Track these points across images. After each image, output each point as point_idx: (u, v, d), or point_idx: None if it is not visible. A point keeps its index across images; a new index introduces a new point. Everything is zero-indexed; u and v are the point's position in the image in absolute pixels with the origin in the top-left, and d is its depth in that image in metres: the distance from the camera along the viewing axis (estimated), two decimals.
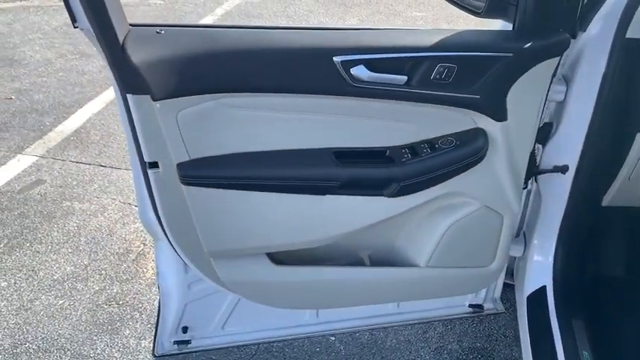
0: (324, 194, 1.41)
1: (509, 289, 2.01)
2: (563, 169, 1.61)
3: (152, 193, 1.39)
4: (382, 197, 1.45)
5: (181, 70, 1.24)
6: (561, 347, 1.57)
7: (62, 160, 3.30)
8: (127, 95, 1.25)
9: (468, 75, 1.34)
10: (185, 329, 1.80)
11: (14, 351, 2.13)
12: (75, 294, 2.39)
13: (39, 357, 2.11)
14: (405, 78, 1.32)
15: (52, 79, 4.29)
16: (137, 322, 2.25)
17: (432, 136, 1.44)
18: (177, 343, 1.82)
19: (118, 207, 2.90)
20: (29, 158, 3.32)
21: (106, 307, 2.32)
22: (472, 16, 1.51)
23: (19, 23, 5.37)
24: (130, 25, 1.27)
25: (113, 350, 2.13)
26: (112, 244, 2.66)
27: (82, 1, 1.09)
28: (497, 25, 2.23)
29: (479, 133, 1.43)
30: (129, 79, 1.21)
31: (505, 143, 1.44)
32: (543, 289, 1.75)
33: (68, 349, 2.13)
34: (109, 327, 2.23)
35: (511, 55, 1.33)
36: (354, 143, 1.42)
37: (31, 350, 2.14)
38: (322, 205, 1.43)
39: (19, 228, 2.76)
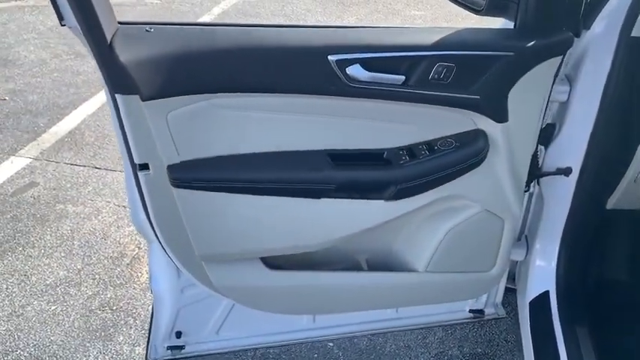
0: (319, 197, 1.37)
1: (510, 294, 1.97)
2: (567, 172, 1.56)
3: (143, 195, 1.35)
4: (379, 200, 1.40)
5: (171, 70, 1.20)
6: (565, 354, 1.52)
7: (56, 162, 3.26)
8: (116, 95, 1.20)
9: (468, 75, 1.29)
10: (179, 334, 1.75)
11: (5, 359, 2.08)
12: (68, 299, 2.34)
13: None
14: (402, 78, 1.28)
15: (47, 80, 4.24)
16: (131, 328, 2.21)
17: (431, 137, 1.40)
18: (171, 348, 1.77)
19: (112, 210, 2.86)
20: (23, 160, 3.28)
21: (99, 312, 2.28)
22: (471, 15, 1.47)
23: (14, 23, 5.32)
24: (119, 23, 1.23)
25: (106, 357, 2.09)
26: (106, 248, 2.61)
27: None
28: (497, 23, 2.19)
29: (479, 135, 1.38)
30: (117, 78, 1.17)
31: (506, 145, 1.40)
32: (546, 294, 1.71)
33: (60, 357, 2.09)
34: (103, 333, 2.18)
35: (512, 54, 1.28)
36: (349, 145, 1.38)
37: (22, 358, 2.09)
38: (317, 208, 1.39)
39: (11, 232, 2.72)
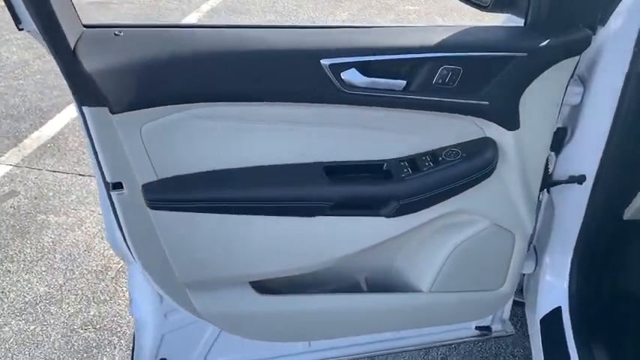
0: (314, 216, 1.24)
1: (517, 306, 1.85)
2: (580, 179, 1.44)
3: (118, 216, 1.22)
4: (380, 217, 1.27)
5: (143, 78, 1.07)
6: None
7: (38, 170, 3.12)
8: (82, 108, 1.08)
9: (476, 78, 1.17)
10: None
11: None
12: (48, 318, 2.21)
13: None
14: (403, 82, 1.16)
15: (29, 82, 4.09)
16: (115, 347, 2.07)
17: (435, 147, 1.27)
18: None
19: (96, 219, 2.72)
20: (2, 168, 3.13)
21: (81, 331, 2.14)
22: (468, 9, 1.33)
23: None
24: (84, 26, 1.09)
25: None
26: (89, 261, 2.48)
27: None
28: (499, 19, 2.06)
29: (487, 144, 1.26)
30: (82, 89, 1.05)
31: (517, 154, 1.28)
32: (558, 310, 1.59)
33: None
34: (85, 354, 2.05)
35: (524, 54, 1.16)
36: (346, 157, 1.25)
37: None
38: (311, 228, 1.26)
39: None
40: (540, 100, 1.23)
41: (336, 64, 1.11)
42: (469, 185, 1.26)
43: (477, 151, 1.26)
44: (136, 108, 1.09)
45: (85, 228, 2.67)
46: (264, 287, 1.38)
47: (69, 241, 2.60)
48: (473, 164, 1.25)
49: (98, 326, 2.16)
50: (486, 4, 1.27)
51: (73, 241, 2.60)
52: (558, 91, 1.25)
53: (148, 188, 1.15)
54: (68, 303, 2.27)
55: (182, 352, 1.61)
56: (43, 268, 2.45)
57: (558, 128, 1.46)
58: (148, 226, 1.20)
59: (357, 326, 1.52)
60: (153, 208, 1.16)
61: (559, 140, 1.46)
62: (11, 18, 1.03)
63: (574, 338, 1.54)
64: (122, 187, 1.17)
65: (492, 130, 1.25)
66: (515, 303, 1.81)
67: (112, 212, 1.24)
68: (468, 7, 1.31)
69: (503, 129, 1.24)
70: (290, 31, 1.16)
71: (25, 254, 2.52)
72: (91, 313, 2.22)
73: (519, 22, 1.31)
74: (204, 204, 1.18)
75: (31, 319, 2.21)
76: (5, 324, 2.19)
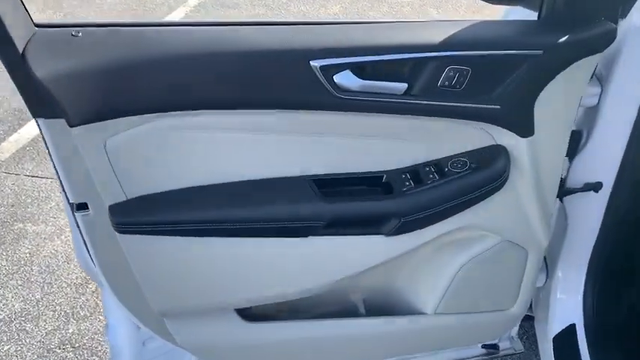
0: (306, 236, 1.10)
1: (525, 320, 1.72)
2: (596, 187, 1.32)
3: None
4: (379, 236, 1.14)
5: (107, 84, 0.93)
6: None
7: (16, 175, 2.96)
8: (37, 120, 0.93)
9: (486, 80, 1.04)
10: None
11: None
12: (23, 337, 2.06)
13: None
14: (404, 86, 1.02)
15: (8, 82, 3.91)
16: None
17: (440, 156, 1.14)
18: None
19: None
20: None
21: (59, 351, 2.00)
22: (463, 0, 1.19)
23: None
24: (36, 25, 0.95)
25: None
26: (68, 274, 2.33)
27: None
28: (499, 13, 1.92)
29: (499, 152, 1.13)
30: (34, 98, 0.91)
31: (531, 163, 1.15)
32: (572, 328, 1.47)
33: None
34: None
35: (540, 52, 1.02)
36: (340, 169, 1.12)
37: None
38: (302, 249, 1.13)
39: None
40: (557, 103, 1.10)
41: (327, 65, 0.98)
42: (479, 199, 1.13)
43: (487, 161, 1.12)
44: (98, 119, 0.95)
45: (65, 237, 2.52)
46: (251, 314, 1.25)
47: (47, 251, 2.45)
48: (483, 175, 1.12)
49: (77, 345, 2.02)
50: None
51: (52, 251, 2.45)
52: (577, 92, 1.12)
53: (115, 210, 1.01)
54: (45, 320, 2.13)
55: None
56: (19, 282, 2.30)
57: (573, 131, 1.33)
58: (119, 250, 1.07)
59: (356, 354, 1.38)
60: (121, 232, 1.03)
61: (573, 144, 1.32)
62: None
63: (590, 358, 1.42)
64: (87, 208, 1.03)
65: (504, 137, 1.12)
66: (523, 317, 1.69)
67: (79, 232, 1.10)
68: None
69: (516, 135, 1.11)
70: (276, 28, 1.02)
71: None
72: (70, 331, 2.08)
73: (525, 15, 1.18)
74: (180, 226, 1.04)
75: (5, 338, 2.06)
76: None
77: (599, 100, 1.25)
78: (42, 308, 2.18)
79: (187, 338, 1.21)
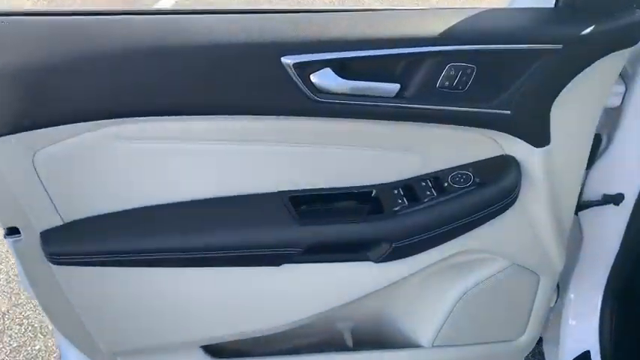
0: (278, 265, 0.93)
1: None
2: (616, 199, 1.15)
3: None
4: (367, 262, 0.97)
5: (36, 86, 0.76)
6: None
7: None
8: None
9: (493, 80, 0.87)
10: None
11: None
12: None
13: None
14: (396, 87, 0.86)
15: None
16: None
17: (439, 169, 0.97)
18: None
19: None
20: None
21: None
22: None
23: None
24: None
25: None
26: None
27: None
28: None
29: (508, 164, 0.96)
30: None
31: (546, 177, 0.98)
32: (586, 355, 1.30)
33: None
34: None
35: (559, 47, 0.85)
36: (320, 184, 0.95)
37: None
38: (275, 279, 0.96)
39: None
40: (578, 107, 0.94)
41: (303, 62, 0.81)
42: (484, 220, 0.96)
43: (495, 174, 0.95)
44: (25, 128, 0.78)
45: None
46: (221, 350, 1.08)
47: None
48: (490, 192, 0.95)
49: None
50: None
51: None
52: (601, 94, 0.95)
53: (48, 237, 0.84)
54: (10, 335, 1.96)
55: None
56: None
57: None
58: (57, 283, 0.90)
59: None
60: (56, 262, 0.86)
61: (591, 150, 1.15)
62: None
63: None
64: (19, 233, 0.86)
65: (514, 147, 0.95)
66: None
67: None
68: None
69: (529, 145, 0.94)
70: (241, 17, 0.85)
71: None
72: (37, 347, 1.92)
73: (539, 1, 1.00)
74: (127, 256, 0.87)
75: None
76: None
77: (622, 101, 1.08)
78: (7, 322, 2.02)
79: None
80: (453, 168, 0.97)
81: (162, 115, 0.83)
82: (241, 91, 0.83)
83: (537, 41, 0.85)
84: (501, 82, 0.87)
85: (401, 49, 0.84)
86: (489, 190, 0.95)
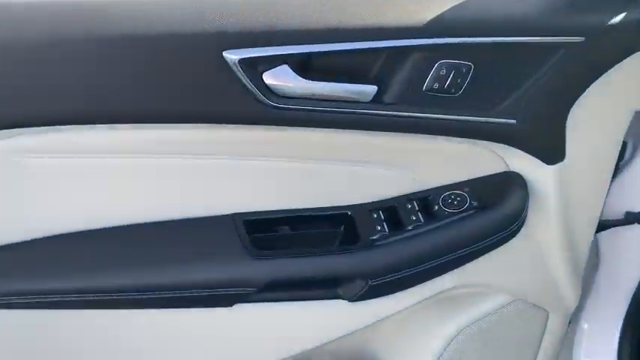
0: (229, 305, 0.77)
1: None
2: None
3: None
4: (340, 301, 0.80)
5: None
6: None
7: None
8: None
9: (495, 81, 0.70)
10: None
11: None
12: None
13: None
14: (373, 89, 0.68)
15: None
16: None
17: (428, 187, 0.80)
18: None
19: None
20: None
21: None
22: None
23: None
24: None
25: None
26: None
27: None
28: None
29: (513, 183, 0.79)
30: None
31: (560, 199, 0.80)
32: None
33: None
34: None
35: (580, 40, 0.67)
36: (280, 204, 0.78)
37: None
38: (228, 322, 0.79)
39: None
40: (602, 114, 0.76)
41: (251, 58, 0.64)
42: (483, 251, 0.79)
43: (497, 196, 0.78)
44: None
45: None
46: None
47: None
48: (490, 217, 0.77)
49: None
50: None
51: None
52: (631, 98, 0.77)
53: None
54: None
55: None
56: None
57: None
58: None
59: None
60: None
61: None
62: None
63: None
64: None
65: (521, 162, 0.78)
66: None
67: None
68: None
69: (540, 161, 0.76)
70: (175, 3, 0.67)
71: None
72: None
73: None
74: (34, 297, 0.70)
75: None
76: None
77: None
78: None
79: None
80: (445, 187, 0.80)
81: (77, 124, 0.66)
82: (176, 93, 0.66)
83: (552, 33, 0.68)
84: (505, 84, 0.70)
85: (378, 42, 0.66)
86: (490, 215, 0.77)
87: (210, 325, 0.79)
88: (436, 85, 0.68)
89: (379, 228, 0.77)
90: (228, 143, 0.72)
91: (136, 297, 0.72)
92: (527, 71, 0.69)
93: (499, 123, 0.71)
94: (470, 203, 0.77)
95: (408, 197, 0.79)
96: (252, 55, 0.63)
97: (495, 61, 0.68)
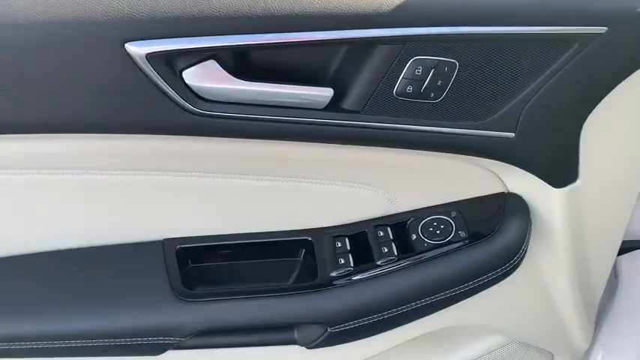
0: (160, 353, 0.62)
1: None
2: None
3: None
4: (294, 346, 0.66)
5: None
6: None
7: None
8: None
9: (486, 84, 0.54)
10: None
11: None
12: None
13: None
14: (328, 93, 0.53)
15: None
16: None
17: (405, 210, 0.64)
18: None
19: None
20: None
21: None
22: None
23: None
24: None
25: None
26: None
27: None
28: None
29: (512, 208, 0.63)
30: None
31: (569, 227, 0.64)
32: None
33: None
34: None
35: (603, 30, 0.51)
36: (224, 228, 0.63)
37: None
38: None
39: None
40: (625, 125, 0.59)
41: (164, 53, 0.48)
42: (474, 291, 0.63)
43: (491, 223, 0.62)
44: None
45: None
46: None
47: None
48: (483, 251, 0.62)
49: None
50: None
51: None
52: None
53: None
54: None
55: None
56: None
57: None
58: None
59: None
60: None
61: None
62: None
63: None
64: None
65: (522, 183, 0.62)
66: None
67: None
68: None
69: (544, 183, 0.60)
70: None
71: None
72: None
73: None
74: None
75: None
76: None
77: None
78: None
79: None
80: (427, 210, 0.64)
81: None
82: (78, 96, 0.52)
83: (564, 22, 0.52)
84: (500, 87, 0.54)
85: (335, 33, 0.51)
86: (481, 248, 0.62)
87: None
88: (410, 89, 0.52)
89: (342, 261, 0.62)
90: (157, 156, 0.58)
91: (39, 346, 0.58)
92: (530, 71, 0.53)
93: (492, 137, 0.56)
94: (455, 233, 0.62)
95: (380, 223, 0.64)
96: (164, 49, 0.48)
97: (487, 58, 0.52)
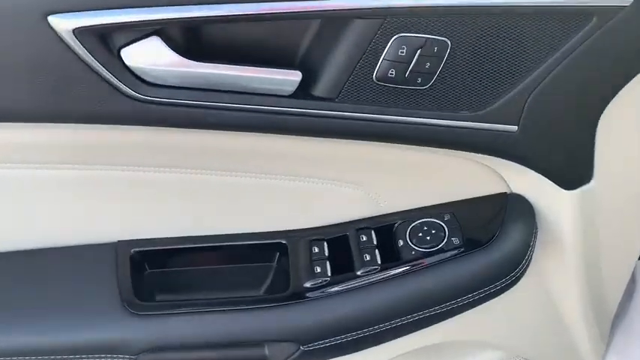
0: None
1: None
2: None
3: None
4: None
5: None
6: None
7: None
8: None
9: (487, 68, 0.45)
10: None
11: None
12: None
13: None
14: (296, 77, 0.44)
15: None
16: None
17: (391, 210, 0.56)
18: None
19: None
20: None
21: None
22: None
23: None
24: None
25: None
26: None
27: None
28: None
29: (515, 210, 0.55)
30: None
31: (581, 232, 0.56)
32: None
33: None
34: None
35: (626, 4, 0.42)
36: (183, 229, 0.56)
37: None
38: None
39: None
40: None
41: (95, 28, 0.40)
42: (470, 305, 0.55)
43: (491, 227, 0.54)
44: None
45: None
46: None
47: None
48: (480, 259, 0.54)
49: None
50: None
51: None
52: None
53: None
54: None
55: None
56: None
57: None
58: None
59: None
60: None
61: None
62: None
63: None
64: None
65: (527, 182, 0.54)
66: None
67: None
68: None
69: (554, 184, 0.52)
70: None
71: None
72: None
73: None
74: None
75: None
76: None
77: None
78: None
79: None
80: (417, 212, 0.56)
81: None
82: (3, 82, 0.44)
83: None
84: (500, 72, 0.45)
85: (302, 4, 0.42)
86: (479, 256, 0.54)
87: None
88: (392, 73, 0.44)
89: (319, 270, 0.55)
90: (104, 148, 0.51)
91: None
92: (537, 53, 0.44)
93: (491, 130, 0.47)
94: (448, 239, 0.54)
95: (364, 226, 0.56)
96: (95, 23, 0.41)
97: (485, 37, 0.43)
